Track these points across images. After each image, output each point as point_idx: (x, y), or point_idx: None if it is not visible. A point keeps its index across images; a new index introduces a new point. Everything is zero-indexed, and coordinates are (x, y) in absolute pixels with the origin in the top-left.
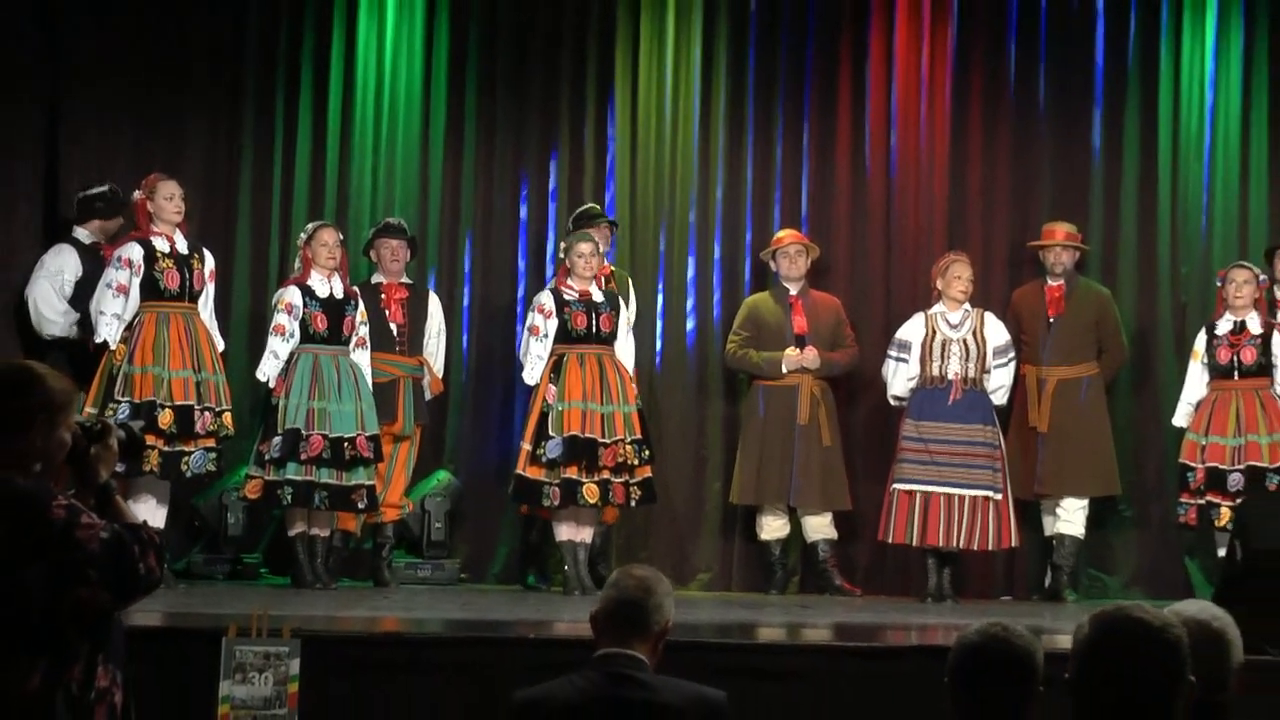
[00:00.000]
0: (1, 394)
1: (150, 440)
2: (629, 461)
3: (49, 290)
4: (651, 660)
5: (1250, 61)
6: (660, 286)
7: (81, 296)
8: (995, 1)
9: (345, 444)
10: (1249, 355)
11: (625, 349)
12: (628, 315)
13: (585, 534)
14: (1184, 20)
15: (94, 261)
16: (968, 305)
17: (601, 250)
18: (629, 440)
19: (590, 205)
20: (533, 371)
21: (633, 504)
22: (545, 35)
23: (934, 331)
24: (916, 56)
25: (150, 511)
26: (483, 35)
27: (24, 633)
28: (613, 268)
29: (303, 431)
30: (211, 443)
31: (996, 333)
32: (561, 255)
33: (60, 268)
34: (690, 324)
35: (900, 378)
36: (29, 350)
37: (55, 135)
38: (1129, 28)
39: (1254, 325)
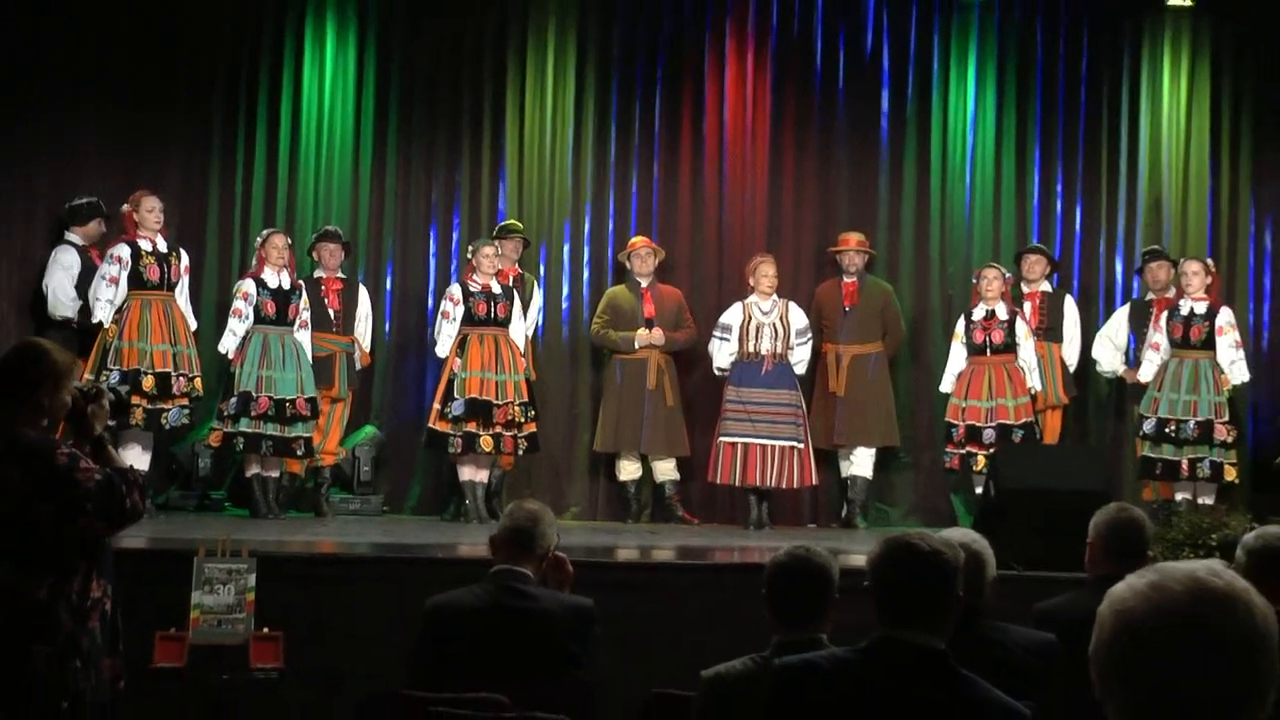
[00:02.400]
0: (16, 364)
1: (136, 400)
2: (517, 419)
3: (65, 281)
4: (536, 575)
5: (1002, 108)
6: (542, 279)
7: (79, 288)
8: (803, 57)
9: (287, 404)
10: (998, 336)
11: (518, 330)
12: (535, 308)
13: (482, 475)
14: (950, 75)
15: (85, 259)
16: (775, 296)
17: (509, 256)
18: (518, 402)
19: (512, 221)
20: (443, 347)
21: (520, 453)
22: (451, 82)
23: (749, 317)
24: (742, 99)
25: (137, 457)
26: (401, 80)
27: (35, 554)
28: (522, 271)
29: (252, 394)
30: (185, 402)
31: (798, 318)
32: (469, 255)
33: (70, 264)
34: (565, 309)
35: (723, 353)
36: (39, 329)
37: (66, 154)
38: (908, 80)
39: (1002, 313)
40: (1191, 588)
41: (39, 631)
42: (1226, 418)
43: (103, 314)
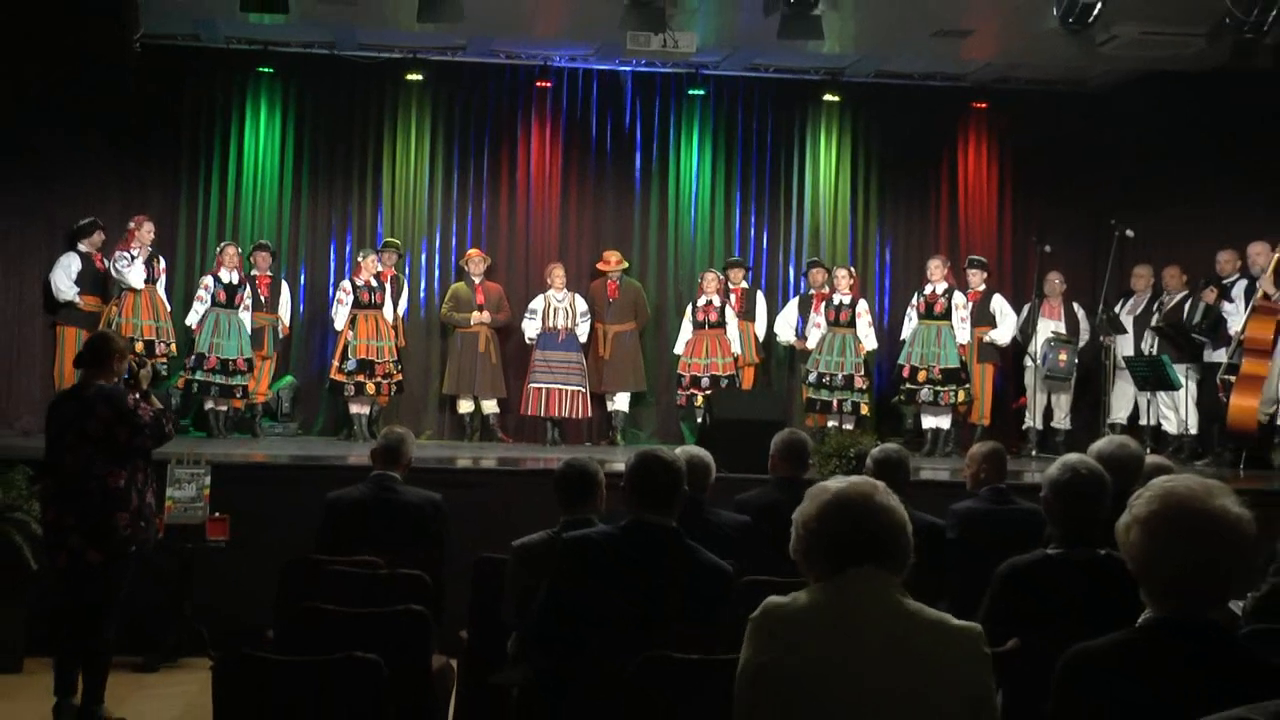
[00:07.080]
0: (99, 348)
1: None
2: (391, 372)
3: (63, 276)
4: (402, 476)
5: (715, 165)
6: (408, 277)
7: (80, 282)
8: (583, 129)
9: (230, 362)
10: (714, 317)
11: (390, 312)
12: (403, 297)
13: (366, 410)
14: (682, 142)
15: (88, 262)
16: (565, 289)
17: (387, 263)
18: (391, 361)
19: (390, 239)
20: (339, 323)
21: (392, 394)
22: (346, 142)
23: (549, 303)
24: (543, 156)
25: None
26: (312, 140)
27: (116, 458)
28: (395, 272)
29: (205, 354)
30: (163, 360)
31: (580, 304)
32: (358, 260)
33: (70, 264)
34: (423, 298)
35: (531, 328)
36: (54, 311)
37: (75, 183)
38: (654, 145)
39: (716, 302)
40: (839, 497)
41: (121, 504)
42: (862, 373)
43: (135, 280)
